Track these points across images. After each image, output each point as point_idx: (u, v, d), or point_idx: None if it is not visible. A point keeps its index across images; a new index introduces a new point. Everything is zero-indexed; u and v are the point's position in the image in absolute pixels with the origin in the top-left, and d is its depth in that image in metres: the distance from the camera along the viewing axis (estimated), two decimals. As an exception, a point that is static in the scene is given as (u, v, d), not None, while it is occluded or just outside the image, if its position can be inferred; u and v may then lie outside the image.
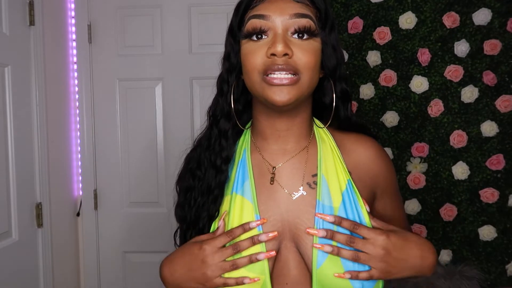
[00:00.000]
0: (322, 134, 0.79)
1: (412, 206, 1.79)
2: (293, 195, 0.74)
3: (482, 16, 1.71)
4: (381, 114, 1.79)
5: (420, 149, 1.78)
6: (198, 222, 0.76)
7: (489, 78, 1.72)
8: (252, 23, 0.69)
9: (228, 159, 0.77)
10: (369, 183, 0.77)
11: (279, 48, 0.66)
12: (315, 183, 0.74)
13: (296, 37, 0.69)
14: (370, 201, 0.78)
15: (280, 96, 0.67)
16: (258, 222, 0.70)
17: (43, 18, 1.69)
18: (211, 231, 0.75)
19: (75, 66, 1.96)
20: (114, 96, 1.97)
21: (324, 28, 0.72)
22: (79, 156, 1.99)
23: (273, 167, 0.76)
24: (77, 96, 1.97)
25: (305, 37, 0.69)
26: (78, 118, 1.97)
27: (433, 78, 1.76)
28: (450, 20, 1.73)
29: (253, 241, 0.69)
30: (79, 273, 2.01)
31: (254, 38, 0.69)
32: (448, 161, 1.77)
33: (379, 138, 1.79)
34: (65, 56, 1.92)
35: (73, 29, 1.95)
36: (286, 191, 0.74)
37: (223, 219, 0.74)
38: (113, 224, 1.98)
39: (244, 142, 0.80)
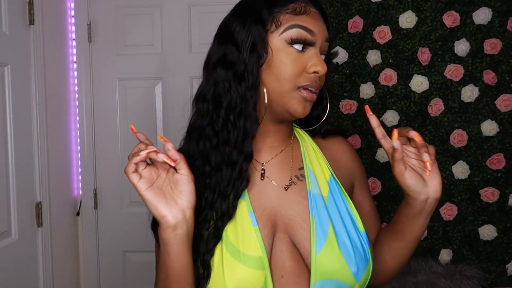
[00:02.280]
0: (301, 133, 0.85)
1: (412, 206, 1.79)
2: (284, 188, 0.77)
3: (482, 15, 1.71)
4: (381, 113, 1.79)
5: (420, 148, 1.77)
6: (205, 222, 0.72)
7: (489, 77, 1.72)
8: (302, 34, 0.71)
9: (252, 157, 0.73)
10: (347, 176, 0.83)
11: (325, 69, 0.71)
12: (302, 175, 0.78)
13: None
14: (349, 193, 0.82)
15: (305, 110, 0.73)
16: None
17: (43, 17, 1.69)
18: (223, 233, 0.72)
19: (75, 65, 1.96)
20: (114, 95, 1.97)
21: (330, 50, 0.78)
22: (79, 155, 1.99)
23: (262, 164, 0.78)
24: (77, 95, 1.96)
25: (323, 58, 0.75)
26: (78, 117, 1.97)
27: (433, 77, 1.76)
28: (450, 19, 1.73)
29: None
30: (79, 273, 2.01)
31: (299, 48, 0.71)
32: (448, 161, 1.77)
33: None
34: (65, 55, 1.92)
35: (73, 28, 1.95)
36: (276, 184, 0.77)
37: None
38: (113, 223, 1.98)
39: None
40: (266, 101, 0.72)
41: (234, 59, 0.72)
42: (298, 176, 0.78)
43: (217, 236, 0.71)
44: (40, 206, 1.67)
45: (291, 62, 0.71)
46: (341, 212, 0.75)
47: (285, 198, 0.76)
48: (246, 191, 0.74)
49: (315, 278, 0.70)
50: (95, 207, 1.98)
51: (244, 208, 0.73)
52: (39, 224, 1.67)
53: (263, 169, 0.78)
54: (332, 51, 0.79)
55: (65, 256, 1.88)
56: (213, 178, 0.72)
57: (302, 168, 0.79)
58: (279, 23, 0.71)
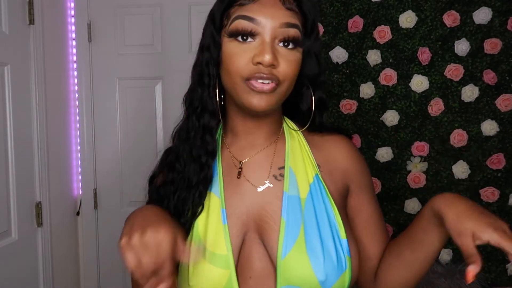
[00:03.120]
0: (292, 131, 0.81)
1: (412, 206, 1.79)
2: (258, 188, 0.75)
3: (482, 15, 1.71)
4: (381, 113, 1.79)
5: (421, 148, 1.77)
6: (179, 218, 0.73)
7: (489, 77, 1.72)
8: (240, 24, 0.68)
9: (214, 154, 0.76)
10: (340, 178, 0.78)
11: (267, 58, 0.66)
12: (282, 175, 0.75)
13: (282, 45, 0.69)
14: (343, 196, 0.78)
15: (260, 102, 0.68)
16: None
17: (43, 17, 1.69)
18: (194, 228, 0.73)
19: (75, 65, 1.96)
20: (114, 95, 1.97)
21: (310, 37, 0.72)
22: (79, 155, 1.99)
23: (240, 162, 0.77)
24: (77, 95, 1.96)
25: (290, 46, 0.69)
26: (78, 117, 1.97)
27: (434, 77, 1.76)
28: (451, 19, 1.73)
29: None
30: (79, 273, 2.01)
31: (240, 39, 0.69)
32: (449, 160, 1.77)
33: (379, 137, 1.79)
34: (65, 55, 1.92)
35: (73, 28, 1.95)
36: (252, 184, 0.75)
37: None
38: (113, 223, 1.98)
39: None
40: (217, 99, 0.74)
41: (197, 62, 0.78)
42: (276, 175, 0.75)
43: (187, 230, 0.72)
44: (40, 206, 1.67)
45: (235, 55, 0.69)
46: (318, 216, 0.71)
47: (260, 198, 0.74)
48: (222, 188, 0.74)
49: (280, 283, 0.68)
50: (95, 207, 1.98)
51: (217, 205, 0.73)
52: (39, 224, 1.67)
53: (240, 168, 0.76)
54: (291, 35, 0.69)
55: (65, 256, 1.88)
56: (180, 175, 0.76)
57: (283, 167, 0.76)
58: (229, 18, 0.70)
